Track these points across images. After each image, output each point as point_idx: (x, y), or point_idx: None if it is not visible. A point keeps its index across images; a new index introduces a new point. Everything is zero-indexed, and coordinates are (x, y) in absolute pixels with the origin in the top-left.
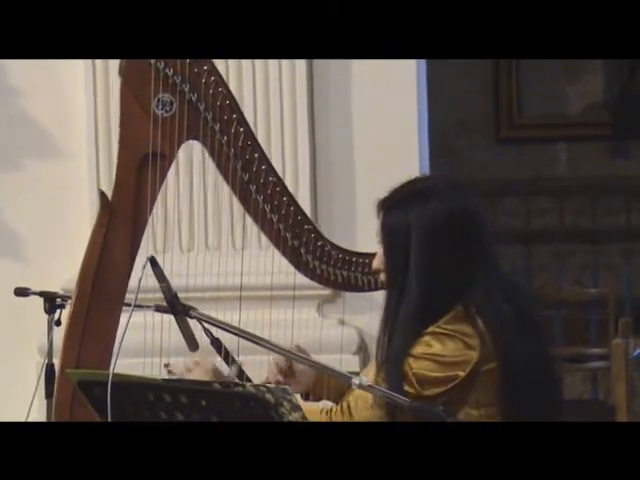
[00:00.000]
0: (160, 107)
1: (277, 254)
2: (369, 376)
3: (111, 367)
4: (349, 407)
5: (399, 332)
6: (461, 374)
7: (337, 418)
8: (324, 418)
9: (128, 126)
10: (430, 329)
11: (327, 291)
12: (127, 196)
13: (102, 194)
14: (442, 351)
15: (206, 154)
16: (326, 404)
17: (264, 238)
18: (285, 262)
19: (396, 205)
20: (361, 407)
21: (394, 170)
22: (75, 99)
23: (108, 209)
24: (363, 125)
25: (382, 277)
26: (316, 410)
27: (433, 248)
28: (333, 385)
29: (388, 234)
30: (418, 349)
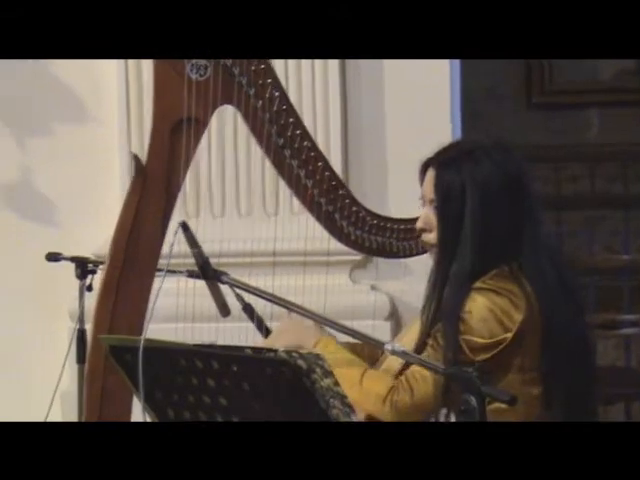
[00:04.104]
0: (194, 71)
1: (309, 220)
2: (404, 341)
3: (143, 332)
4: (409, 382)
5: (452, 290)
6: (508, 336)
7: (401, 396)
8: (381, 393)
9: (162, 90)
10: (477, 284)
11: (358, 257)
12: (161, 161)
13: (136, 159)
14: (491, 305)
15: (239, 119)
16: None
17: (296, 204)
18: (317, 228)
19: (450, 164)
20: (421, 382)
21: (425, 137)
22: (106, 63)
23: (142, 174)
24: (395, 90)
25: (425, 237)
26: (355, 375)
27: (487, 207)
28: (367, 351)
29: (441, 192)
30: (468, 306)
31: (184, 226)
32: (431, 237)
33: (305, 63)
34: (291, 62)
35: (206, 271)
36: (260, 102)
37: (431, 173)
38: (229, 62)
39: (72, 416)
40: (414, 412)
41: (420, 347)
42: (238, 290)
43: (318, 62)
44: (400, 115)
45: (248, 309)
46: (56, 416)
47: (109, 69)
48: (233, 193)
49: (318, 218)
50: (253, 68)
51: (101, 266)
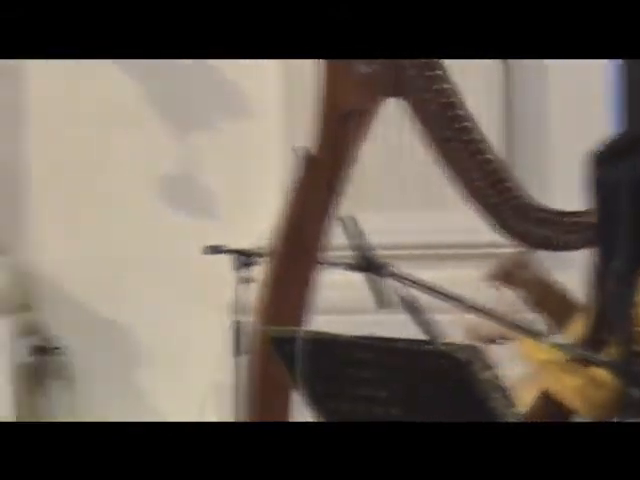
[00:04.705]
0: (363, 63)
1: (473, 212)
2: (567, 334)
3: (304, 324)
4: (597, 379)
5: (616, 283)
6: None
7: (592, 392)
8: (576, 388)
9: (330, 83)
10: None
11: (517, 250)
12: (327, 154)
13: (303, 151)
14: None
15: (404, 111)
16: None
17: (461, 196)
18: (480, 220)
19: (608, 158)
20: (608, 377)
21: (587, 130)
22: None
23: (308, 167)
24: (557, 84)
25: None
26: (554, 367)
27: None
28: None
29: (600, 186)
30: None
31: (349, 219)
32: None
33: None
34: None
35: (368, 263)
36: (428, 95)
37: (591, 167)
38: None
39: (228, 409)
40: (606, 407)
41: (590, 341)
42: (399, 282)
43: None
44: (562, 109)
45: (407, 301)
46: (211, 409)
47: (270, 62)
48: (397, 186)
49: (483, 210)
50: (422, 60)
51: (260, 258)
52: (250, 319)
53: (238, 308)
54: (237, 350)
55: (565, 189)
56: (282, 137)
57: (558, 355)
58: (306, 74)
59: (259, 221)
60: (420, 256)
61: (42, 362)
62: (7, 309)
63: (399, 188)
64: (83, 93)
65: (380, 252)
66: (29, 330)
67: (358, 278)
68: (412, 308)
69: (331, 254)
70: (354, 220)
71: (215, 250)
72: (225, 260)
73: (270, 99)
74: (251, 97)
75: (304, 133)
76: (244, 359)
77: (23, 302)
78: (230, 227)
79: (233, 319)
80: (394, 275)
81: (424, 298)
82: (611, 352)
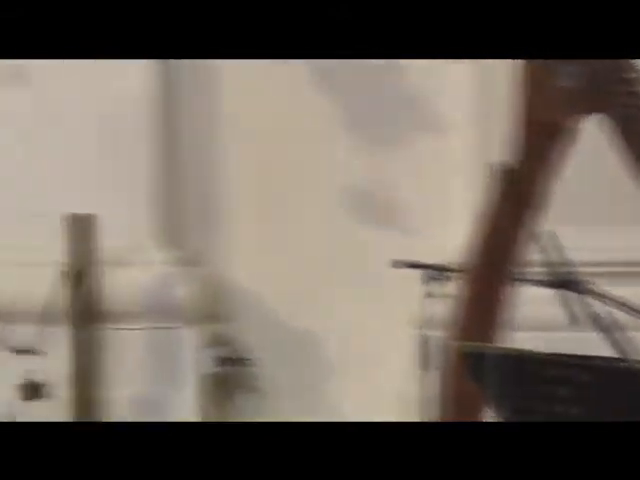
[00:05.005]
0: (564, 78)
1: None
2: None
3: (497, 341)
4: None
5: None
6: None
7: None
8: None
9: (531, 97)
10: None
11: None
12: (526, 168)
13: (499, 165)
14: None
15: (604, 125)
16: None
17: None
18: None
19: None
20: None
21: None
22: (457, 70)
23: (505, 181)
24: None
25: None
26: None
27: None
28: None
29: None
30: None
31: (548, 234)
32: None
33: None
34: None
35: (565, 280)
36: (631, 111)
37: None
38: (599, 69)
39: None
40: None
41: None
42: (597, 300)
43: None
44: None
45: (600, 319)
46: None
47: (459, 74)
48: (598, 201)
49: None
50: (623, 76)
51: (450, 273)
52: (437, 333)
53: (426, 322)
54: (424, 364)
55: None
56: (475, 150)
57: None
58: (500, 87)
59: (450, 235)
60: (620, 273)
61: (230, 373)
62: (194, 320)
63: (600, 204)
64: (276, 105)
65: (579, 269)
66: (217, 341)
67: (552, 294)
68: (605, 326)
69: (526, 270)
70: (554, 236)
71: (406, 264)
72: (413, 274)
73: (463, 112)
74: (444, 110)
75: (498, 147)
76: (431, 373)
77: (212, 313)
78: (423, 241)
79: (420, 333)
80: (592, 292)
81: (622, 316)
82: None
